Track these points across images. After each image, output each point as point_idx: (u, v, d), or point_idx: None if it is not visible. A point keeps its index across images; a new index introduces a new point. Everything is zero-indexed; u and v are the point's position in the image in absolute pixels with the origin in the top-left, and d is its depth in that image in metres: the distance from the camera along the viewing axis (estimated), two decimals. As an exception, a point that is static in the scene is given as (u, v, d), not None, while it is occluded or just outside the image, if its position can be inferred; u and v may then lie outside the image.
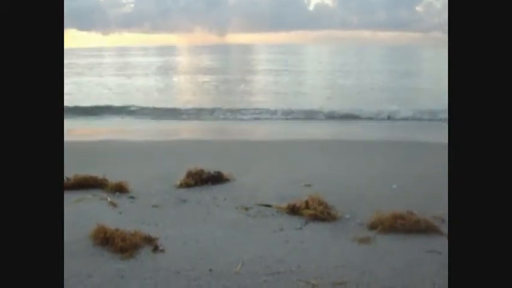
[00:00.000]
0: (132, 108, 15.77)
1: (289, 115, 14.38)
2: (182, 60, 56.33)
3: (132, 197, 5.41)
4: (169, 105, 16.46)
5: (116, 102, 16.84)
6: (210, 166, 6.16)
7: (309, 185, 5.85)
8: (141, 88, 23.62)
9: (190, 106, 16.29)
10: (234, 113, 14.79)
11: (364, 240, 4.09)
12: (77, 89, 22.50)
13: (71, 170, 5.48)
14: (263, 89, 23.35)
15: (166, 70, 37.47)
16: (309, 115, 14.39)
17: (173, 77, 31.92)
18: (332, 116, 14.17)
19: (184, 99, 19.07)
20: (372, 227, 4.38)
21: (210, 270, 3.51)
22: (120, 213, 4.89)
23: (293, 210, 4.82)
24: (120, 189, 5.57)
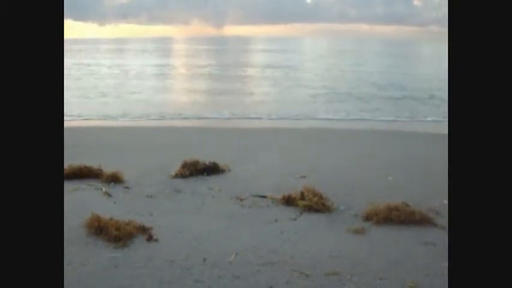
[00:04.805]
0: None
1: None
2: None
3: (127, 187, 5.39)
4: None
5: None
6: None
7: (305, 176, 5.85)
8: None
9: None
10: None
11: (358, 231, 4.10)
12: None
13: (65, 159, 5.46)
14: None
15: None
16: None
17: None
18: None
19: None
20: (367, 218, 4.39)
21: (204, 259, 3.50)
22: (115, 203, 4.87)
23: (288, 201, 4.83)
24: (115, 179, 5.54)
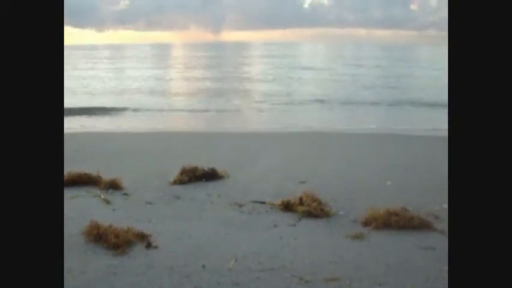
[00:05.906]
0: None
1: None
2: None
3: (126, 194, 5.38)
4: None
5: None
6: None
7: (304, 181, 5.85)
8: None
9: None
10: None
11: (358, 237, 4.09)
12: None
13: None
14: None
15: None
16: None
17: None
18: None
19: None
20: (366, 223, 4.38)
21: (203, 266, 3.49)
22: (114, 210, 4.87)
23: (287, 207, 4.82)
24: (114, 186, 5.54)
